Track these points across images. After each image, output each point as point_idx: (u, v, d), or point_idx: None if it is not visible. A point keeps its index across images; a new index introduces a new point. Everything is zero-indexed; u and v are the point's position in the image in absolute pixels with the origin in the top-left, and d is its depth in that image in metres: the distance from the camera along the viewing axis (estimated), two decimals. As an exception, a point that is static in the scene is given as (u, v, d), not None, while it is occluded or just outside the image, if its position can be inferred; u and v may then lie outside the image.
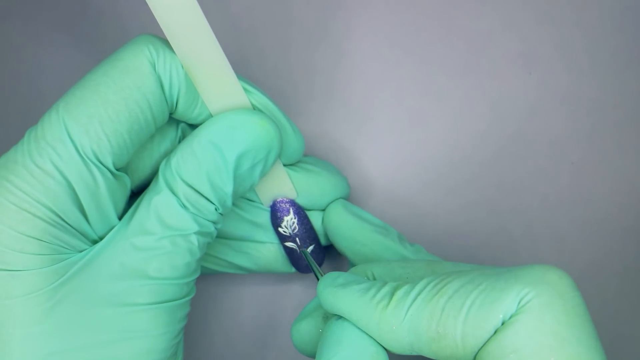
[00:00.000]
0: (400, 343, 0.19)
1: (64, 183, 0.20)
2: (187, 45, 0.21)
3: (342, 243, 0.25)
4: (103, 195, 0.21)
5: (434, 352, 0.18)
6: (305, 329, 0.23)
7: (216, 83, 0.22)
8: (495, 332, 0.17)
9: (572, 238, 0.28)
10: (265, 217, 0.26)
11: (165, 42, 0.21)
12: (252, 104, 0.23)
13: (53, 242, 0.20)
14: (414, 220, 0.29)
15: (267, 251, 0.26)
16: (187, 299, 0.22)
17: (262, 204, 0.26)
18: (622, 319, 0.28)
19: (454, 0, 0.30)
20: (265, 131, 0.22)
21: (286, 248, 0.26)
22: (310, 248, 0.26)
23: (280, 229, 0.26)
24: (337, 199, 0.26)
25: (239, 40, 0.30)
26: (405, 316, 0.18)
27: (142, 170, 0.24)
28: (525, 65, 0.29)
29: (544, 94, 0.29)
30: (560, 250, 0.28)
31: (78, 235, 0.21)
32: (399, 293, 0.19)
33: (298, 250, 0.26)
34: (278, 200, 0.26)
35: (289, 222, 0.26)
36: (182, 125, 0.24)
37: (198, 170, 0.21)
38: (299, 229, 0.26)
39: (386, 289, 0.19)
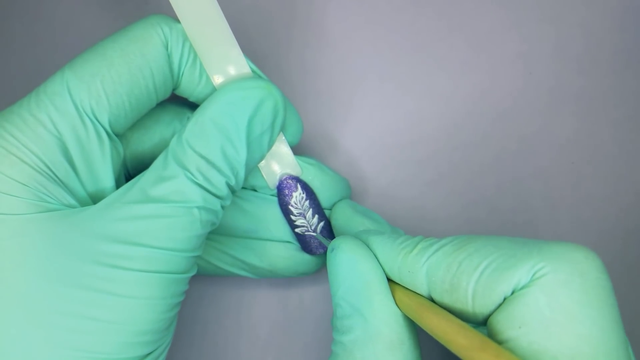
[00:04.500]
0: (419, 290, 0.19)
1: (55, 133, 0.20)
2: (193, 16, 0.22)
3: None
4: (95, 151, 0.21)
5: (446, 304, 0.18)
6: None
7: (220, 53, 0.23)
8: (505, 300, 0.17)
9: (572, 238, 0.28)
10: (269, 212, 0.26)
11: (177, 20, 0.22)
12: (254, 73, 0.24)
13: (39, 189, 0.20)
14: (413, 221, 0.29)
15: (274, 249, 0.26)
16: (184, 275, 0.21)
17: (265, 193, 0.26)
18: (622, 319, 0.28)
19: (454, 0, 0.30)
20: (271, 94, 0.22)
21: (294, 227, 0.26)
22: (321, 225, 0.26)
23: (290, 207, 0.26)
24: (341, 198, 0.27)
25: (238, 40, 0.30)
26: (423, 264, 0.19)
27: (142, 153, 0.25)
28: (526, 65, 0.29)
29: (545, 94, 0.29)
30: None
31: (65, 188, 0.21)
32: (423, 243, 0.19)
33: (310, 229, 0.26)
34: (284, 177, 0.26)
35: (298, 197, 0.26)
36: (188, 117, 0.25)
37: (210, 139, 0.21)
38: (308, 203, 0.26)
39: (414, 239, 0.20)
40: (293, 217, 0.26)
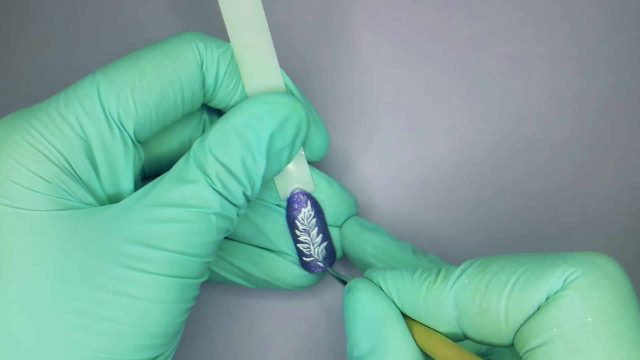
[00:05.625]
0: (446, 318, 0.19)
1: (81, 134, 0.21)
2: (242, 28, 0.23)
3: (358, 259, 0.26)
4: (119, 156, 0.21)
5: (476, 328, 0.18)
6: None
7: (260, 66, 0.23)
8: (539, 308, 0.17)
9: (572, 238, 0.28)
10: (271, 221, 0.26)
11: (211, 37, 0.23)
12: (287, 89, 0.24)
13: (61, 187, 0.20)
14: (414, 221, 0.29)
15: (271, 259, 0.26)
16: (197, 280, 0.21)
17: (269, 201, 0.26)
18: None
19: (454, 0, 0.30)
20: (295, 111, 0.23)
21: (297, 242, 0.26)
22: (324, 245, 0.26)
23: (297, 222, 0.26)
24: (349, 215, 0.27)
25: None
26: (450, 291, 0.19)
27: (159, 155, 0.25)
28: (525, 65, 0.29)
29: (544, 94, 0.29)
30: (561, 250, 0.28)
31: (85, 188, 0.21)
32: (445, 270, 0.19)
33: (311, 247, 0.26)
34: (297, 191, 0.26)
35: (306, 214, 0.26)
36: (204, 118, 0.26)
37: (232, 147, 0.21)
38: (315, 221, 0.26)
39: (433, 269, 0.20)
40: (297, 232, 0.26)
